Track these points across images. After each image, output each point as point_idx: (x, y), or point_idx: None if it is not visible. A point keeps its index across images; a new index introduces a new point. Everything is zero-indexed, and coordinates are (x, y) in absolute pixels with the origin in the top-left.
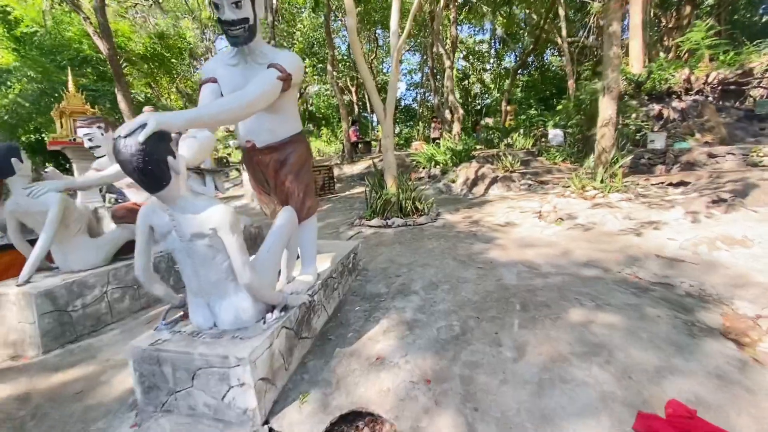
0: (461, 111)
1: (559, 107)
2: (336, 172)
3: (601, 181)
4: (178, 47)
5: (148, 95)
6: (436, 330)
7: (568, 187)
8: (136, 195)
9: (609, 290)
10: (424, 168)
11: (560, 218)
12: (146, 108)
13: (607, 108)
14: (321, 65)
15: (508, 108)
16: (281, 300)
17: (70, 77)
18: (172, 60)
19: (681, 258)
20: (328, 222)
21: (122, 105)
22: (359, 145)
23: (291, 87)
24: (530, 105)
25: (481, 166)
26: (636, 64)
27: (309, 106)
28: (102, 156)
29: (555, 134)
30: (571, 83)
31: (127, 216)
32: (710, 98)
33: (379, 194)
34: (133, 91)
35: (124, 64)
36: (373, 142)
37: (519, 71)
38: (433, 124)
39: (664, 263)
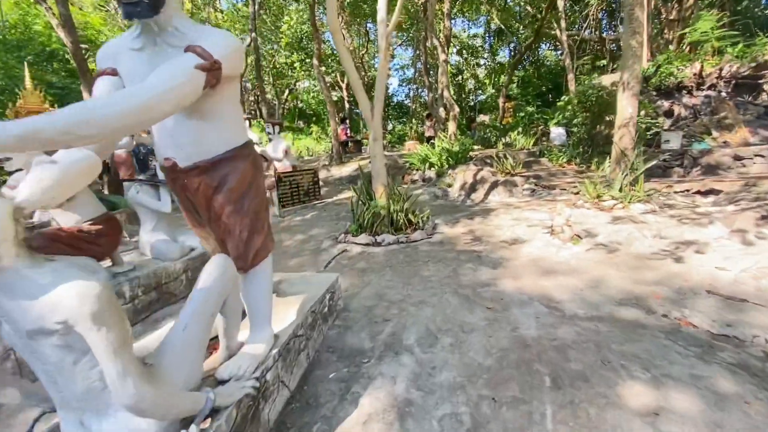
0: (457, 108)
1: (561, 103)
2: (323, 174)
3: (620, 190)
4: None
5: None
6: (437, 422)
7: (578, 193)
8: (63, 216)
9: (662, 349)
10: (418, 170)
11: (577, 235)
12: None
13: (627, 106)
14: (309, 60)
15: (507, 105)
16: (203, 407)
17: (26, 73)
18: None
19: (741, 296)
20: (311, 234)
21: (86, 96)
22: (349, 145)
23: (223, 81)
24: (527, 101)
25: (479, 169)
26: (642, 59)
27: (299, 102)
28: (17, 170)
29: (557, 133)
30: (570, 78)
31: (48, 246)
32: (723, 93)
33: (366, 206)
34: None
35: (91, 59)
36: (364, 141)
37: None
38: (427, 123)
39: (720, 303)
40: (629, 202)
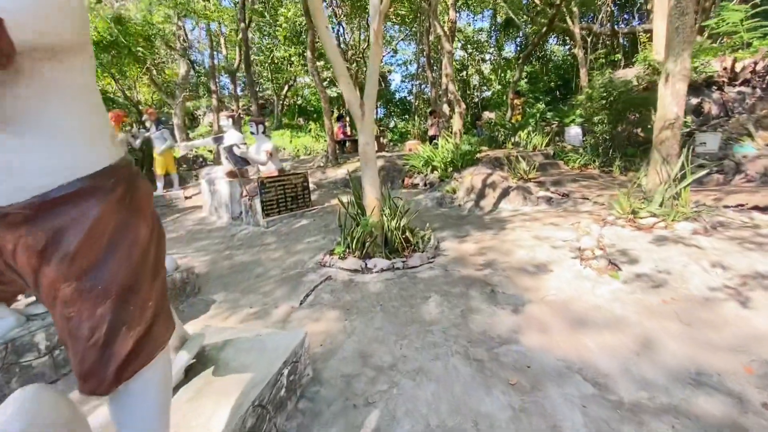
0: (462, 105)
1: (579, 99)
2: (317, 176)
3: (661, 204)
4: (146, 34)
5: (109, 91)
6: None
7: (603, 204)
8: None
9: None
10: (419, 173)
11: (613, 264)
12: (149, 110)
13: (671, 104)
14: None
15: (516, 101)
16: None
17: None
18: (138, 48)
19: None
20: (294, 251)
21: None
22: (347, 144)
23: (35, 57)
24: (537, 98)
25: (489, 173)
26: (663, 51)
27: (298, 99)
28: None
29: (573, 133)
30: (583, 73)
31: None
32: (758, 89)
33: (356, 222)
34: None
35: None
36: None
37: (520, 59)
38: (430, 120)
39: None
40: (673, 220)
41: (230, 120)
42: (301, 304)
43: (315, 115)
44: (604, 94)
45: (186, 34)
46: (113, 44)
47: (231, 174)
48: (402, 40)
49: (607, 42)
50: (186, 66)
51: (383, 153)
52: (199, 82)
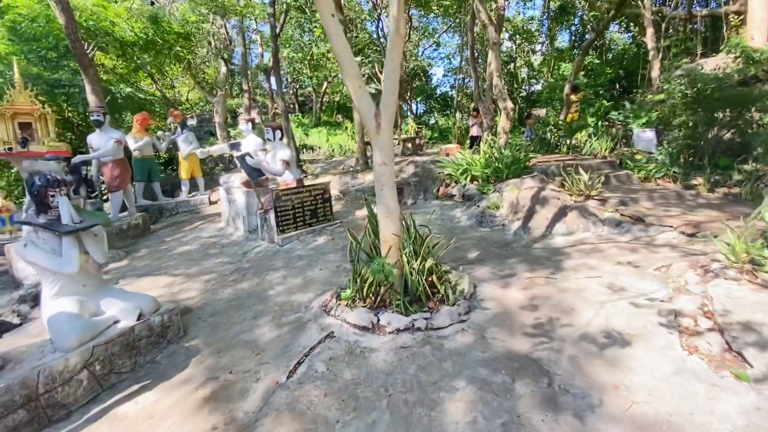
0: (510, 104)
1: (658, 96)
2: (344, 182)
3: None
4: (185, 32)
5: (148, 92)
6: None
7: (697, 233)
8: None
9: None
10: (456, 182)
11: (736, 353)
12: (173, 111)
13: None
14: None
15: (573, 97)
16: None
17: (15, 69)
18: (177, 47)
19: None
20: (303, 282)
21: (91, 98)
22: None
23: None
24: (597, 93)
25: (540, 187)
26: (759, 36)
27: (337, 95)
28: None
29: (647, 137)
30: (656, 65)
31: None
32: None
33: (370, 258)
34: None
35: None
36: (395, 140)
37: (575, 49)
38: (472, 119)
39: None
40: None
41: (249, 124)
42: (288, 377)
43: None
44: (688, 89)
45: (228, 33)
46: (151, 44)
47: (247, 184)
48: (444, 32)
49: (679, 27)
50: (225, 65)
51: (416, 157)
52: (234, 82)
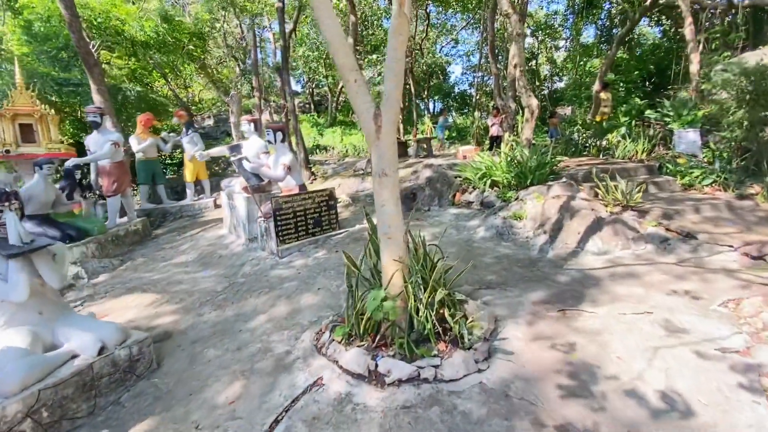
0: (535, 101)
1: (705, 85)
2: (354, 186)
3: None
4: (197, 31)
5: (160, 92)
6: None
7: (763, 257)
8: None
9: None
10: (474, 188)
11: None
12: (179, 112)
13: None
14: (360, 47)
15: (602, 94)
16: None
17: (17, 69)
18: (190, 45)
19: None
20: (295, 307)
21: (97, 102)
22: None
23: None
24: (630, 90)
25: (570, 195)
26: None
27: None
28: None
29: (689, 138)
30: (695, 59)
31: None
32: None
33: (369, 288)
34: (147, 83)
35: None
36: (409, 142)
37: (602, 44)
38: (492, 118)
39: None
40: None
41: (252, 125)
42: None
43: None
44: (745, 84)
45: (243, 31)
46: (162, 43)
47: (247, 189)
48: (463, 28)
49: (716, 20)
50: (237, 64)
51: (432, 160)
52: (246, 81)
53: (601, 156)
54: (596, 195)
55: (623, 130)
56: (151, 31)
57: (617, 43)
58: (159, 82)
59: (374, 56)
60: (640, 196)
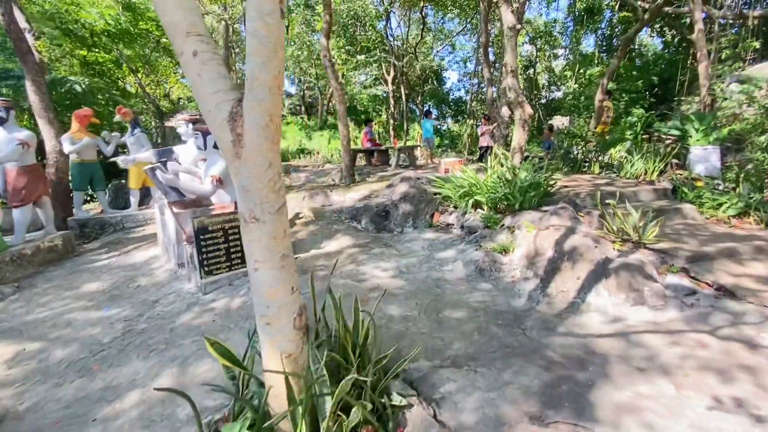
0: (528, 109)
1: (727, 103)
2: (320, 201)
3: None
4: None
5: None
6: None
7: None
8: None
9: None
10: (456, 207)
11: None
12: (122, 108)
13: None
14: (353, 48)
15: (605, 103)
16: None
17: None
18: (164, 39)
19: None
20: (195, 374)
21: (32, 96)
22: (374, 155)
23: None
24: (633, 100)
25: (568, 227)
26: None
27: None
28: None
29: (707, 158)
30: (704, 68)
31: None
32: None
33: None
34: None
35: (34, 35)
36: (391, 150)
37: (603, 53)
38: (482, 126)
39: None
40: None
41: (189, 126)
42: None
43: (363, 116)
44: None
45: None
46: (125, 33)
47: (177, 204)
48: (460, 33)
49: (721, 30)
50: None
51: (410, 173)
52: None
53: (603, 173)
54: (598, 224)
55: (628, 144)
56: (111, 19)
57: (625, 43)
58: (130, 77)
59: (362, 56)
60: (656, 231)
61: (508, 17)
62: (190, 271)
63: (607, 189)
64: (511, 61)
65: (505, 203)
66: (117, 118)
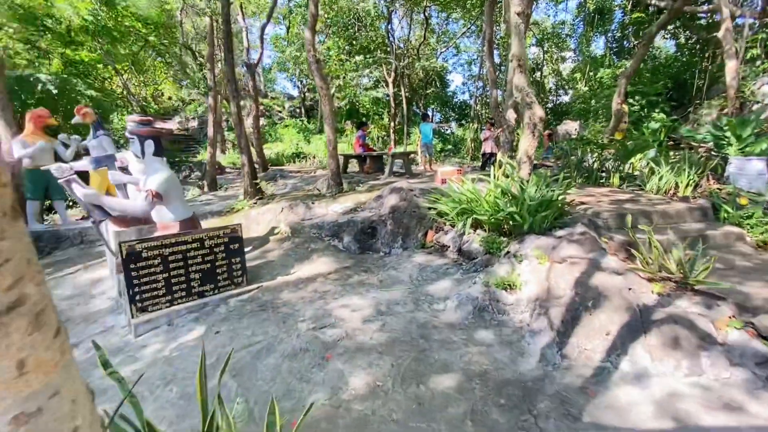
0: (539, 110)
1: None
2: (300, 213)
3: None
4: (160, 21)
5: (108, 91)
6: None
7: None
8: None
9: None
10: (453, 225)
11: None
12: (81, 108)
13: None
14: (353, 48)
15: (625, 106)
16: None
17: None
18: (152, 37)
19: None
20: None
21: None
22: (367, 162)
23: None
24: (652, 104)
25: (592, 261)
26: None
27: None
28: None
29: (754, 170)
30: (732, 68)
31: None
32: None
33: None
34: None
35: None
36: (385, 157)
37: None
38: (485, 131)
39: None
40: None
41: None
42: None
43: (364, 118)
44: None
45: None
46: (105, 30)
47: (118, 220)
48: (463, 34)
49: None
50: (194, 57)
51: (403, 182)
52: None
53: (625, 186)
54: (628, 255)
55: (652, 152)
56: (87, 14)
57: (646, 42)
58: (115, 78)
59: (360, 57)
60: (711, 268)
61: (514, 7)
62: (126, 304)
63: (633, 207)
64: (518, 51)
65: (511, 223)
66: (76, 119)
